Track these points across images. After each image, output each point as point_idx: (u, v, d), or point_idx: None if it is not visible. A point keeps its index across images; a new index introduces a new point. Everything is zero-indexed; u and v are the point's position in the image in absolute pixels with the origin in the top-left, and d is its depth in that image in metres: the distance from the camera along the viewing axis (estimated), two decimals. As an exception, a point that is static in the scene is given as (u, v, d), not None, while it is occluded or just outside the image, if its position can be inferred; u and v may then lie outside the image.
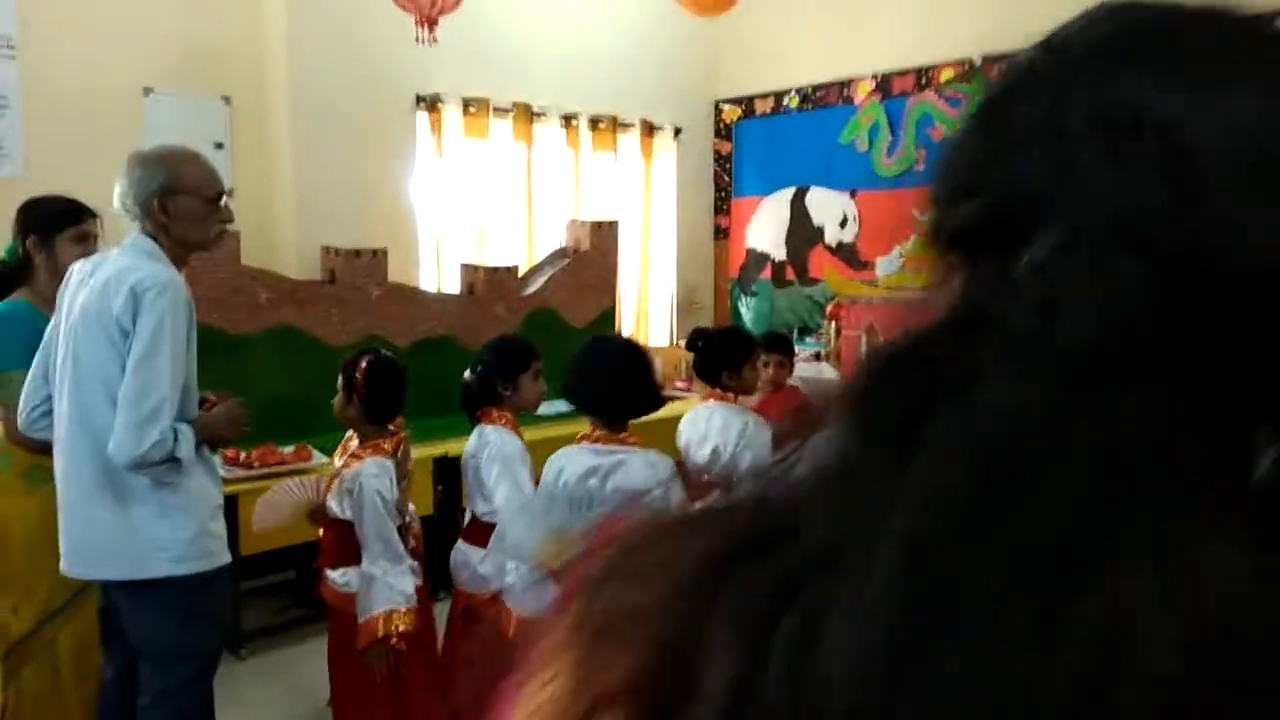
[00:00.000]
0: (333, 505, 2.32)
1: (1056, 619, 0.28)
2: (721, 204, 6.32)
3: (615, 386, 2.11)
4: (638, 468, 2.05)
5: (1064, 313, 0.33)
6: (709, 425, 2.69)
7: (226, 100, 4.23)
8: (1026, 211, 0.36)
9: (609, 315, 5.05)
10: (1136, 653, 0.28)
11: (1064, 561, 0.29)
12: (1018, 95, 0.40)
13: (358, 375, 2.34)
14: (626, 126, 5.69)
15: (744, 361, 2.81)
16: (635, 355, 2.18)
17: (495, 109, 5.03)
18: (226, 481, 3.04)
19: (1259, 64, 0.38)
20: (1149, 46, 0.38)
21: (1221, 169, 0.34)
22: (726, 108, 6.18)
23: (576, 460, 2.11)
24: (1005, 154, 0.38)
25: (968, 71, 4.78)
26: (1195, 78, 0.37)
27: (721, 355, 2.80)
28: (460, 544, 2.51)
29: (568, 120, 5.38)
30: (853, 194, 5.50)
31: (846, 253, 5.58)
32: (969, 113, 0.42)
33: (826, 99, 5.59)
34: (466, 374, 2.55)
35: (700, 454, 2.63)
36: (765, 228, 6.07)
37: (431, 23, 3.70)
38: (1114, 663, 0.28)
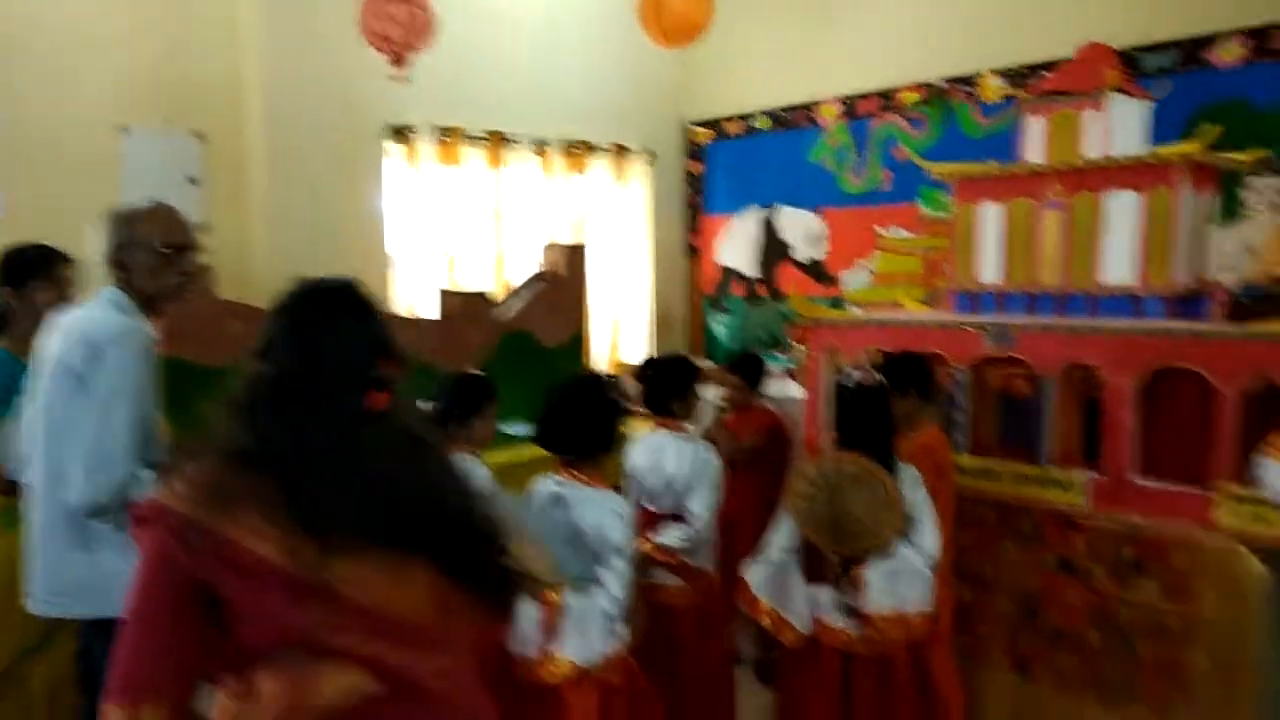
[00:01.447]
0: None
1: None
2: (693, 222, 6.41)
3: (577, 430, 2.21)
4: (578, 504, 2.16)
5: (274, 370, 1.27)
6: (660, 455, 2.71)
7: (201, 137, 4.28)
8: (269, 353, 1.28)
9: (579, 336, 5.11)
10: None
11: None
12: (272, 313, 1.32)
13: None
14: (598, 150, 5.78)
15: (690, 389, 2.85)
16: (600, 399, 2.26)
17: (468, 137, 5.11)
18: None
19: (333, 309, 1.33)
20: (296, 299, 1.33)
21: (306, 334, 1.29)
22: (698, 130, 6.27)
23: (543, 489, 2.23)
24: (272, 333, 1.29)
25: (930, 95, 4.89)
26: (296, 314, 1.32)
27: (669, 384, 2.81)
28: None
29: (540, 146, 5.46)
30: (820, 212, 5.61)
31: (814, 269, 5.68)
32: (277, 312, 1.32)
33: (794, 121, 5.69)
34: (421, 404, 2.60)
35: (651, 482, 2.66)
36: (736, 245, 6.17)
37: (403, 60, 3.78)
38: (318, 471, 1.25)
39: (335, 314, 1.30)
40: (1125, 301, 2.81)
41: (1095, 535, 2.75)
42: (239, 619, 1.18)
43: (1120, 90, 2.93)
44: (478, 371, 2.75)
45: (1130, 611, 2.68)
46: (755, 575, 2.42)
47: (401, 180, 4.92)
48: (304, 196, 4.41)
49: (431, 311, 4.77)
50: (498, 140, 5.24)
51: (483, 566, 1.31)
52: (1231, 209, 3.96)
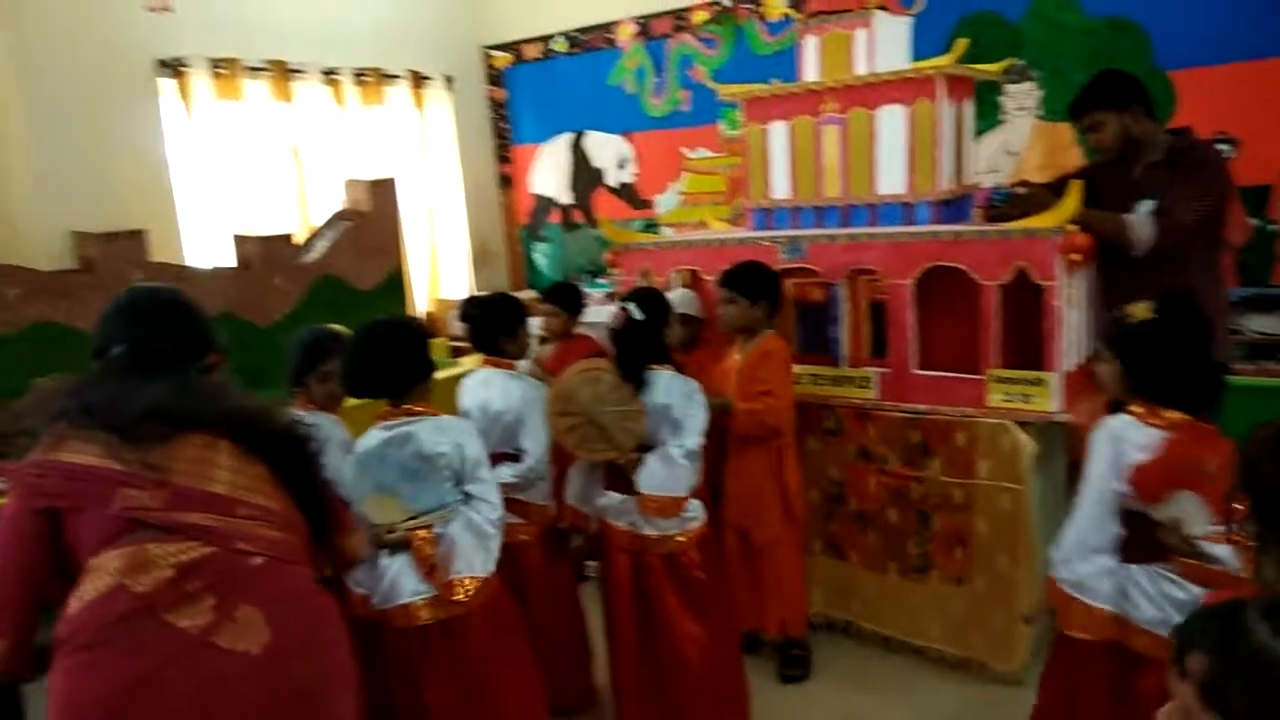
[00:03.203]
0: None
1: None
2: (503, 152, 6.33)
3: (382, 371, 2.20)
4: (427, 434, 2.17)
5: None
6: (487, 392, 2.74)
7: (-65, 81, 3.83)
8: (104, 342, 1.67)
9: (396, 276, 5.00)
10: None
11: None
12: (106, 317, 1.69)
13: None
14: (394, 79, 5.56)
15: (519, 326, 2.88)
16: (397, 336, 2.25)
17: (248, 69, 4.79)
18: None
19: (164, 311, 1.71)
20: (130, 304, 1.70)
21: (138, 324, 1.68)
22: (496, 54, 6.14)
23: (372, 438, 2.22)
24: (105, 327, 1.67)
25: (719, 14, 4.98)
26: (134, 314, 1.69)
27: (496, 322, 2.83)
28: None
29: (330, 76, 5.20)
30: (627, 135, 5.66)
31: (627, 193, 5.77)
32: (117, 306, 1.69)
33: (592, 42, 5.67)
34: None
35: (479, 421, 2.69)
36: (548, 173, 6.15)
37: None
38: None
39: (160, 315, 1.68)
40: (898, 209, 3.04)
41: (886, 424, 3.03)
42: (78, 534, 1.45)
43: (882, 8, 3.11)
44: (334, 327, 2.65)
45: (921, 489, 2.99)
46: (570, 486, 2.65)
47: (181, 120, 4.58)
48: (69, 145, 4.04)
49: (229, 260, 4.53)
50: (281, 70, 4.94)
51: (266, 436, 1.60)
52: (991, 116, 4.32)
